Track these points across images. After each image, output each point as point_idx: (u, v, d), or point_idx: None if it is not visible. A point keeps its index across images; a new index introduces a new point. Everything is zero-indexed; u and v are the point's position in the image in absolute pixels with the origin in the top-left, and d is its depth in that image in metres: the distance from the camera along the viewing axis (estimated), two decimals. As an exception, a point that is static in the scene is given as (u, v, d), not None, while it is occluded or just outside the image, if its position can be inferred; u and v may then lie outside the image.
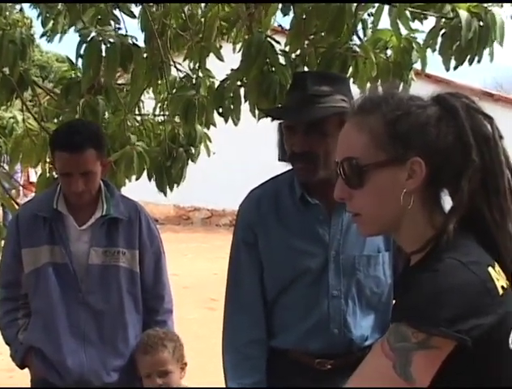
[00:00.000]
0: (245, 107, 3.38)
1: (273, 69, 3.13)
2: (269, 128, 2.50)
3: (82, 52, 2.95)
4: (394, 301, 2.04)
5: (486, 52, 3.06)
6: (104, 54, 2.97)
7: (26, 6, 4.01)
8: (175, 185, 3.90)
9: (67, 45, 3.05)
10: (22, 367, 2.94)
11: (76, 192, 2.72)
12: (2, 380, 5.86)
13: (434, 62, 3.27)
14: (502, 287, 1.38)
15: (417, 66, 3.27)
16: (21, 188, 6.50)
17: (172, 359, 2.67)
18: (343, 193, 1.52)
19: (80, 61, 3.09)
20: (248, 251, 2.37)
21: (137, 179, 3.71)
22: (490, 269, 1.38)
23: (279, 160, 2.39)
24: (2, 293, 2.94)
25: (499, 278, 1.39)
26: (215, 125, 3.83)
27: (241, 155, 14.14)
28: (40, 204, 2.88)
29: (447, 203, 1.49)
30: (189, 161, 3.90)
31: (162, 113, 4.11)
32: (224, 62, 3.60)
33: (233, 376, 2.37)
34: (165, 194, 3.82)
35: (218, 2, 3.44)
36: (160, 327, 2.85)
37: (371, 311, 2.34)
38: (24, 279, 2.86)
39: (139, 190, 4.61)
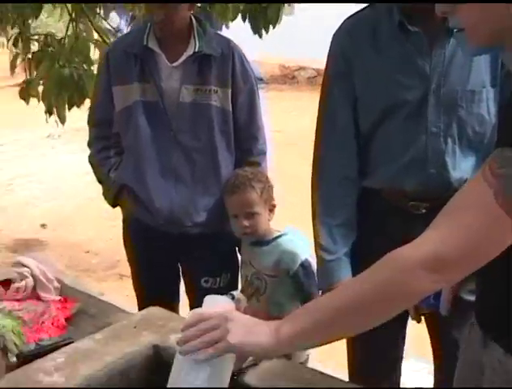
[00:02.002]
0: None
1: None
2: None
3: None
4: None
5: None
6: None
7: None
8: (275, 33, 3.73)
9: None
10: (114, 206, 2.94)
11: (156, 21, 2.62)
12: (105, 228, 6.04)
13: None
14: None
15: None
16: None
17: (260, 200, 2.58)
18: (445, 6, 1.34)
19: None
20: (341, 83, 2.22)
21: (232, 20, 3.57)
22: None
23: None
24: (94, 132, 2.92)
25: None
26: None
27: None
28: (130, 41, 2.80)
29: None
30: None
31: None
32: None
33: (323, 212, 2.29)
34: (260, 36, 3.66)
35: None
36: (253, 168, 2.75)
37: (472, 153, 2.18)
38: (115, 117, 2.81)
39: (244, 47, 4.47)
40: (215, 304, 1.50)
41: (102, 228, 6.18)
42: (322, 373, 1.80)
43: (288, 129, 9.64)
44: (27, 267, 2.28)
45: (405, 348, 2.55)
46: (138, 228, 2.87)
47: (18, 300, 2.25)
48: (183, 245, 2.81)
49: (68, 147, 9.25)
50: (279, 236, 2.61)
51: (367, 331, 2.30)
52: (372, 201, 2.29)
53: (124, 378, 1.80)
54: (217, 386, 1.40)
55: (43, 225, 6.58)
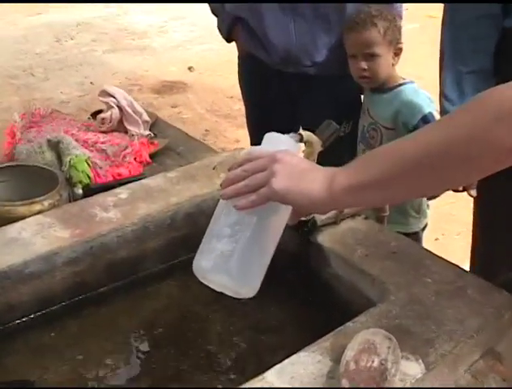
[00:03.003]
0: None
1: None
2: None
3: None
4: None
5: None
6: None
7: None
8: None
9: None
10: (229, 40, 2.68)
11: None
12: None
13: None
14: None
15: None
16: None
17: (383, 40, 2.22)
18: None
19: None
20: None
21: None
22: None
23: None
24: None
25: None
26: None
27: None
28: None
29: None
30: None
31: None
32: None
33: (452, 55, 1.94)
34: None
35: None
36: (381, 5, 2.39)
37: None
38: None
39: None
40: (277, 144, 1.24)
41: (249, 74, 5.97)
42: (423, 249, 1.53)
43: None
44: (113, 97, 2.10)
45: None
46: (253, 66, 2.61)
47: (103, 132, 2.09)
48: (301, 88, 2.53)
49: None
50: (403, 84, 2.28)
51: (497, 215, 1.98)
52: None
53: (190, 222, 1.62)
54: (264, 240, 1.16)
55: (190, 68, 6.45)
